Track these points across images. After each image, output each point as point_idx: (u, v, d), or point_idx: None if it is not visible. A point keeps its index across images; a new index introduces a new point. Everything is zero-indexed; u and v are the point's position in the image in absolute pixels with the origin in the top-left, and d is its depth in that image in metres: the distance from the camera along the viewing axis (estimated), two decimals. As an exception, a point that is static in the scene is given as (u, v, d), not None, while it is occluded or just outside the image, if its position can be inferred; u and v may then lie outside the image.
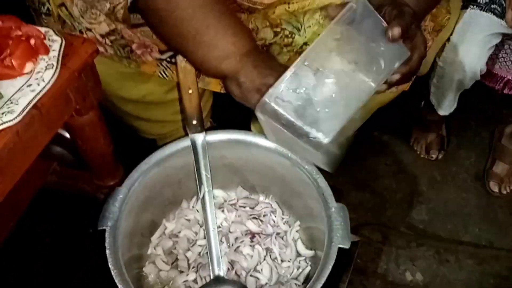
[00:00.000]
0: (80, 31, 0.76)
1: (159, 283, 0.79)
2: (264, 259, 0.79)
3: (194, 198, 0.87)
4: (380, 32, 0.63)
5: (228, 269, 0.78)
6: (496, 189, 1.31)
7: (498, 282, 1.15)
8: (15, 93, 0.59)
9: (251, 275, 0.77)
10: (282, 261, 0.81)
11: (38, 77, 0.61)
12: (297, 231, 0.84)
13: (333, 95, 0.62)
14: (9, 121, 0.57)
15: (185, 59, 0.74)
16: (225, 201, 0.88)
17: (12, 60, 0.60)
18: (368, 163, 1.36)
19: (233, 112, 0.80)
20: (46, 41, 0.64)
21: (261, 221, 0.85)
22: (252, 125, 0.85)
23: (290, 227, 0.85)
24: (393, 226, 1.24)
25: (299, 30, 0.76)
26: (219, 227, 0.83)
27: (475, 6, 1.05)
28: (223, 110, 0.68)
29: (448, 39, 1.05)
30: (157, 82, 0.87)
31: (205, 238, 0.78)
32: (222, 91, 0.81)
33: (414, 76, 0.73)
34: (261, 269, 0.78)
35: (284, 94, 0.61)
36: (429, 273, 1.16)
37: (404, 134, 1.44)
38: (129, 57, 0.81)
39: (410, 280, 1.15)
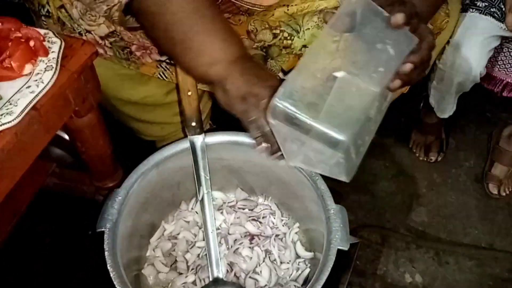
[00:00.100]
0: (80, 33, 0.77)
1: (158, 285, 0.79)
2: (263, 261, 0.79)
3: (193, 200, 0.87)
4: (383, 25, 0.62)
5: (227, 271, 0.78)
6: (495, 191, 1.31)
7: (497, 283, 1.15)
8: (14, 95, 0.59)
9: (250, 277, 0.77)
10: (281, 263, 0.81)
11: (38, 79, 0.61)
12: (296, 233, 0.84)
13: (344, 92, 0.60)
14: (8, 122, 0.57)
15: None
16: (224, 203, 0.88)
17: (12, 62, 0.61)
18: (367, 165, 1.36)
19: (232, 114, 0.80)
20: (45, 43, 0.64)
21: (260, 222, 0.85)
22: None
23: (289, 229, 0.85)
24: (392, 228, 1.24)
25: (298, 32, 0.76)
26: (218, 229, 0.83)
27: (474, 10, 1.05)
28: (222, 112, 0.68)
29: (448, 42, 1.05)
30: (156, 84, 0.87)
31: (204, 240, 0.78)
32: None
33: (428, 69, 0.70)
34: (260, 271, 0.78)
35: (294, 94, 0.59)
36: (429, 275, 1.16)
37: (403, 137, 1.44)
38: (129, 59, 0.81)
39: (410, 282, 1.15)
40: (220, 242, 0.79)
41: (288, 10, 0.73)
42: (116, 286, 0.64)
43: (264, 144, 0.67)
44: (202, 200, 0.76)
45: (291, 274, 0.80)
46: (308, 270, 0.80)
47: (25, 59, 0.61)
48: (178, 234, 0.84)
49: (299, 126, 0.60)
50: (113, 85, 0.85)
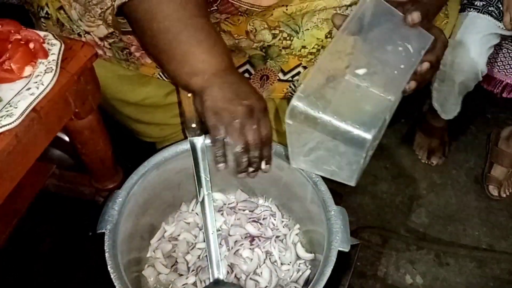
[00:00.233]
0: (79, 34, 0.77)
1: (158, 286, 0.79)
2: (264, 262, 0.79)
3: (194, 201, 0.87)
4: (398, 25, 0.62)
5: (228, 272, 0.78)
6: (495, 193, 1.31)
7: (498, 285, 1.15)
8: (14, 97, 0.59)
9: (250, 278, 0.77)
10: (281, 264, 0.81)
11: (37, 81, 0.61)
12: (296, 234, 0.84)
13: (362, 94, 0.60)
14: (8, 124, 0.57)
15: None
16: (225, 204, 0.88)
17: (11, 64, 0.61)
18: (367, 166, 1.35)
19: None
20: (45, 45, 0.64)
21: (261, 224, 0.85)
22: None
23: (289, 230, 0.85)
24: (393, 229, 1.24)
25: (297, 32, 0.76)
26: (219, 230, 0.82)
27: (472, 9, 1.06)
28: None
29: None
30: (156, 85, 0.87)
31: (204, 241, 0.78)
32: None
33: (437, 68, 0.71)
34: (261, 272, 0.78)
35: (312, 94, 0.59)
36: (429, 276, 1.16)
37: (403, 138, 1.44)
38: (128, 60, 0.81)
39: (410, 283, 1.14)
40: (220, 244, 0.79)
41: (287, 9, 0.73)
42: (116, 287, 0.64)
43: (221, 165, 0.66)
44: (202, 202, 0.76)
45: (292, 276, 0.80)
46: (308, 271, 0.80)
47: (25, 61, 0.62)
48: (179, 235, 0.84)
49: (319, 126, 0.60)
50: (112, 86, 0.85)
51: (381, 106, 0.60)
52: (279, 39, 0.77)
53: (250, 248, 0.80)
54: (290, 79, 0.84)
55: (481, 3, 1.06)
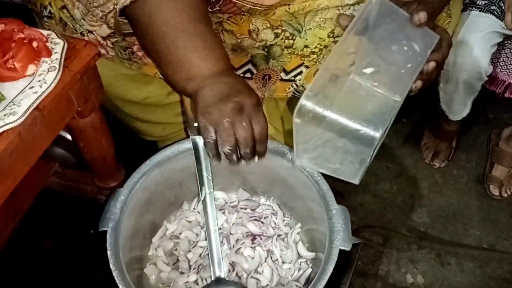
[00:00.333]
0: (82, 33, 0.77)
1: (160, 284, 0.79)
2: (265, 261, 0.79)
3: (195, 200, 0.88)
4: (404, 25, 0.63)
5: (229, 270, 0.78)
6: (496, 193, 1.31)
7: (499, 284, 1.15)
8: (17, 95, 0.60)
9: (252, 277, 0.77)
10: (283, 262, 0.81)
11: (41, 79, 0.61)
12: (298, 233, 0.84)
13: (369, 93, 0.61)
14: (12, 122, 0.57)
15: None
16: (226, 203, 0.88)
17: (15, 63, 0.61)
18: (369, 166, 1.35)
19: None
20: (48, 44, 0.65)
21: (262, 223, 0.85)
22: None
23: (291, 229, 0.85)
24: (394, 228, 1.24)
25: (299, 32, 0.76)
26: (220, 228, 0.83)
27: (474, 8, 1.06)
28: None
29: (449, 42, 1.05)
30: (158, 85, 0.87)
31: (206, 239, 0.78)
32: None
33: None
34: (262, 271, 0.78)
35: (320, 93, 0.60)
36: (430, 276, 1.16)
37: (405, 137, 1.44)
38: (130, 59, 0.81)
39: (411, 282, 1.15)
40: (222, 242, 0.80)
41: (289, 8, 0.73)
42: (118, 285, 0.64)
43: (219, 162, 0.66)
44: (204, 200, 0.76)
45: (293, 274, 0.80)
46: (309, 270, 0.80)
47: (28, 59, 0.62)
48: (180, 233, 0.84)
49: (327, 124, 0.60)
50: (115, 85, 0.85)
51: (388, 105, 0.60)
52: (282, 39, 0.77)
53: (251, 247, 0.81)
54: (292, 78, 0.84)
55: (483, 2, 1.06)
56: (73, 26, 0.77)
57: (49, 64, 0.63)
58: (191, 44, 0.64)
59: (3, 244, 0.83)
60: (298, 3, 0.72)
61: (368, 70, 0.61)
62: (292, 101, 0.95)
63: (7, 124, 0.57)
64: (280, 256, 0.81)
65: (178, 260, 0.81)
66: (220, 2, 0.71)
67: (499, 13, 1.05)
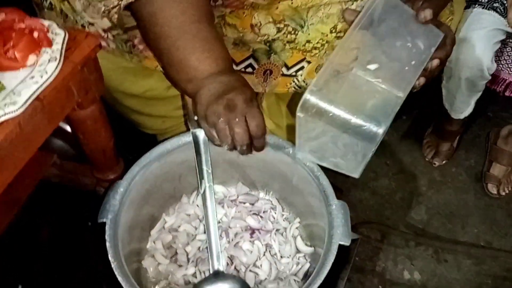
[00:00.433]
0: (83, 26, 0.76)
1: (158, 276, 0.79)
2: (264, 255, 0.80)
3: (194, 193, 0.88)
4: (408, 21, 0.63)
5: (228, 264, 0.78)
6: (494, 191, 1.32)
7: (496, 282, 1.16)
8: (18, 85, 0.59)
9: (250, 271, 0.78)
10: (281, 257, 0.81)
11: (41, 70, 0.61)
12: (296, 228, 0.85)
13: (372, 89, 0.61)
14: (12, 112, 0.57)
15: None
16: (225, 197, 0.88)
17: (15, 52, 0.61)
18: (368, 162, 1.36)
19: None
20: (49, 34, 0.64)
21: (261, 217, 0.85)
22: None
23: (289, 223, 0.85)
24: (392, 225, 1.24)
25: (302, 27, 0.76)
26: (219, 222, 0.83)
27: (477, 5, 1.06)
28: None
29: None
30: (158, 78, 0.87)
31: (204, 233, 0.78)
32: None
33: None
34: (261, 265, 0.78)
35: (324, 88, 0.60)
36: (427, 273, 1.16)
37: (404, 134, 1.44)
38: (131, 52, 0.81)
39: (408, 279, 1.15)
40: (220, 236, 0.80)
41: (292, 3, 0.72)
42: (117, 277, 0.64)
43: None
44: (204, 193, 0.76)
45: (291, 269, 0.80)
46: (308, 265, 0.80)
47: (28, 49, 0.61)
48: (179, 226, 0.84)
49: (330, 119, 0.61)
50: (115, 78, 0.85)
51: (391, 102, 0.61)
52: (284, 33, 0.77)
53: (250, 241, 0.81)
54: (294, 74, 0.84)
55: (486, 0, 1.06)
56: (74, 18, 0.76)
57: (49, 55, 0.62)
58: (191, 46, 0.64)
59: (0, 234, 0.83)
60: (301, -3, 0.72)
61: (373, 67, 0.62)
62: (294, 97, 0.95)
63: (7, 113, 0.57)
64: (279, 251, 0.81)
65: (176, 253, 0.81)
66: None
67: (502, 10, 1.05)
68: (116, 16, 0.68)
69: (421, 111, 1.46)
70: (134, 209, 0.76)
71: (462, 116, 1.26)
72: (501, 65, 1.21)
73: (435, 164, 1.37)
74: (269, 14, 0.74)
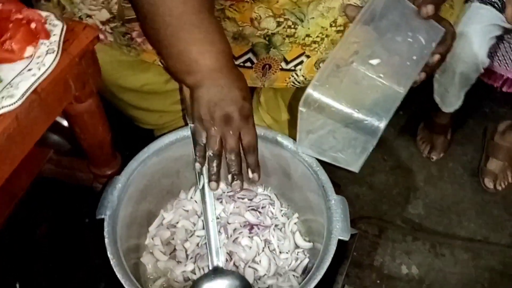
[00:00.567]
0: (80, 18, 0.75)
1: (156, 273, 0.79)
2: (263, 251, 0.79)
3: (193, 189, 0.87)
4: (410, 16, 0.63)
5: (227, 260, 0.77)
6: (491, 186, 1.32)
7: (492, 276, 1.17)
8: (15, 77, 0.58)
9: (249, 266, 0.77)
10: (280, 252, 0.81)
11: (39, 62, 0.60)
12: (295, 223, 0.84)
13: (373, 84, 0.62)
14: (9, 105, 0.56)
15: None
16: (224, 192, 0.88)
17: (13, 44, 0.59)
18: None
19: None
20: (47, 26, 0.63)
21: (260, 212, 0.84)
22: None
23: (288, 219, 0.85)
24: (389, 220, 1.24)
25: (302, 21, 0.75)
26: (218, 218, 0.82)
27: (475, 0, 1.06)
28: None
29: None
30: (156, 72, 0.86)
31: (203, 228, 0.78)
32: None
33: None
34: (260, 260, 0.78)
35: (326, 83, 0.61)
36: (425, 267, 1.17)
37: (402, 130, 1.44)
38: (129, 45, 0.80)
39: (406, 273, 1.15)
40: (219, 231, 0.79)
41: (293, -3, 0.72)
42: (116, 273, 0.64)
43: (199, 166, 0.69)
44: (202, 189, 0.75)
45: (290, 264, 0.80)
46: (307, 260, 0.80)
47: (26, 41, 0.60)
48: (177, 222, 0.83)
49: (332, 114, 0.61)
50: (112, 71, 0.84)
51: (392, 96, 0.62)
52: (284, 27, 0.76)
53: (249, 236, 0.80)
54: (293, 68, 0.83)
55: None
56: (71, 10, 0.75)
57: (47, 46, 0.61)
58: (192, 37, 0.64)
59: (-3, 231, 0.82)
60: (302, -9, 0.72)
61: (375, 62, 0.62)
62: (295, 93, 0.95)
63: (4, 107, 0.55)
64: (278, 246, 0.81)
65: (175, 249, 0.80)
66: None
67: (500, 5, 1.05)
68: (116, 6, 0.67)
69: (418, 106, 1.46)
70: (132, 205, 0.76)
71: (452, 110, 1.26)
72: (498, 61, 1.21)
73: (432, 158, 1.38)
74: (269, 8, 0.74)
